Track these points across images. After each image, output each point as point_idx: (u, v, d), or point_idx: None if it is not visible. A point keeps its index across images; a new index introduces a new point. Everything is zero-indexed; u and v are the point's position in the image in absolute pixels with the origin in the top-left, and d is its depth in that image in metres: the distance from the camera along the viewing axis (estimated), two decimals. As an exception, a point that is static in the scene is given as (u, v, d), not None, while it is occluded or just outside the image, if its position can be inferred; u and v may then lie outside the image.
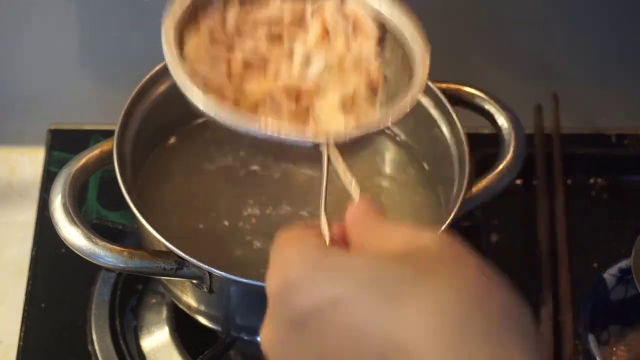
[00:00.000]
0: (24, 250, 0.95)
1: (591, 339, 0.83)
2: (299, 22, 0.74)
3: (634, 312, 0.87)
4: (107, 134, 0.78)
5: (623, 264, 0.87)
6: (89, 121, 1.03)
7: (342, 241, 0.53)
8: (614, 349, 0.87)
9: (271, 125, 0.62)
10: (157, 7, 0.96)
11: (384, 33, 0.73)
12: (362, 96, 0.71)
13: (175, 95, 0.83)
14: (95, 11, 0.97)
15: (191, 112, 0.85)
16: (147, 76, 0.81)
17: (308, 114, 0.70)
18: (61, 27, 0.98)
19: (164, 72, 0.81)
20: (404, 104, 0.66)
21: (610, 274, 0.87)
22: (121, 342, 0.87)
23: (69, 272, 0.92)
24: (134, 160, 0.78)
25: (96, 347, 0.87)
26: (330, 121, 0.69)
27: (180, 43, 0.69)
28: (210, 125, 0.85)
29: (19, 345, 0.88)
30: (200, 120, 0.86)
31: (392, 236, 0.49)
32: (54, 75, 1.03)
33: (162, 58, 0.81)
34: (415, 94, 0.66)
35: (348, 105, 0.70)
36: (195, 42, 0.70)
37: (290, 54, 0.72)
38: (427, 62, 0.68)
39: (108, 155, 0.76)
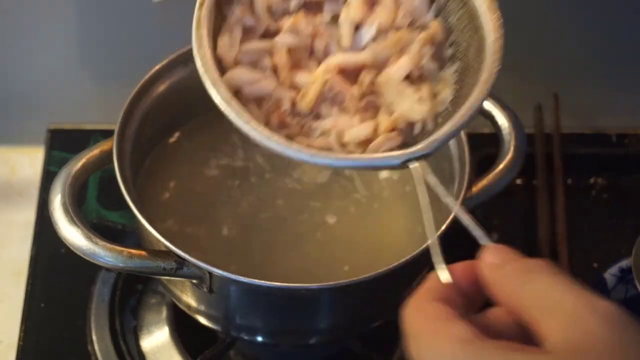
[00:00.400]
0: (23, 250, 0.95)
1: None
2: None
3: (635, 312, 0.87)
4: (107, 134, 0.77)
5: (623, 263, 0.87)
6: (88, 121, 1.03)
7: (471, 286, 0.49)
8: (614, 348, 0.87)
9: (358, 157, 0.58)
10: (157, 7, 0.97)
11: None
12: (426, 58, 0.62)
13: (175, 94, 0.83)
14: (95, 11, 0.97)
15: (191, 111, 0.86)
16: (147, 76, 0.81)
17: (375, 102, 0.62)
18: (61, 27, 0.98)
19: (164, 71, 0.81)
20: (483, 81, 0.59)
21: (610, 274, 0.87)
22: (121, 342, 0.87)
23: (68, 272, 0.92)
24: (134, 160, 0.78)
25: (96, 347, 0.87)
26: (401, 102, 0.61)
27: (215, 51, 0.62)
28: (211, 124, 0.85)
29: (18, 345, 0.88)
30: (199, 120, 0.86)
31: (545, 309, 0.45)
32: (54, 75, 1.03)
33: (160, 58, 0.82)
34: (492, 64, 0.60)
35: (414, 74, 0.62)
36: (227, 41, 0.63)
37: (335, 21, 0.65)
38: (496, 14, 0.61)
39: (108, 155, 0.76)
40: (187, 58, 0.82)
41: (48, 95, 1.04)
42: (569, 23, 1.00)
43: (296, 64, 0.64)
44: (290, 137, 0.61)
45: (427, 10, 0.65)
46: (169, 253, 0.71)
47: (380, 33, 0.64)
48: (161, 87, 0.82)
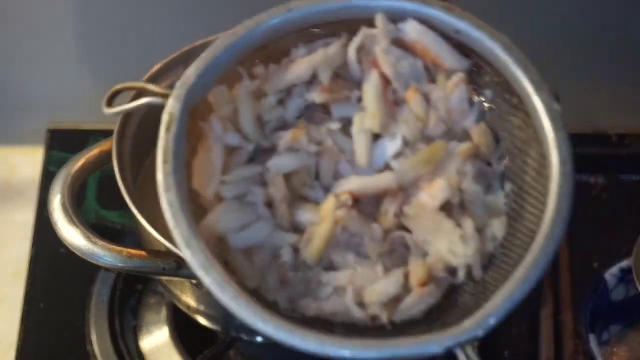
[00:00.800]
0: (22, 250, 0.94)
1: (592, 339, 0.83)
2: (343, 79, 0.50)
3: (635, 313, 0.87)
4: (107, 134, 0.77)
5: (624, 264, 0.86)
6: (88, 121, 1.03)
7: None
8: (615, 349, 0.87)
9: (379, 345, 0.42)
10: (157, 6, 0.96)
11: (477, 65, 0.50)
12: (469, 179, 0.47)
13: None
14: (94, 11, 0.97)
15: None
16: (147, 76, 0.80)
17: (403, 241, 0.47)
18: (60, 27, 0.98)
19: (164, 71, 0.81)
20: (553, 214, 0.44)
21: (611, 274, 0.87)
22: (120, 342, 0.87)
23: (68, 272, 0.91)
24: (134, 159, 0.78)
25: (95, 347, 0.87)
26: (438, 240, 0.46)
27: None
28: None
29: (18, 345, 0.87)
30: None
31: None
32: (54, 75, 1.02)
33: (160, 58, 0.81)
34: (561, 196, 0.44)
35: (454, 201, 0.48)
36: (204, 169, 0.48)
37: (346, 130, 0.49)
38: (558, 119, 0.47)
39: (107, 155, 0.76)
40: (187, 58, 0.81)
41: (47, 95, 1.04)
42: (570, 22, 1.00)
43: (297, 194, 0.49)
44: (293, 301, 0.48)
45: (468, 111, 0.50)
46: (168, 253, 0.71)
47: (407, 145, 0.49)
48: (161, 87, 0.81)
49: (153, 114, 0.81)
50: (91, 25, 0.98)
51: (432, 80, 0.49)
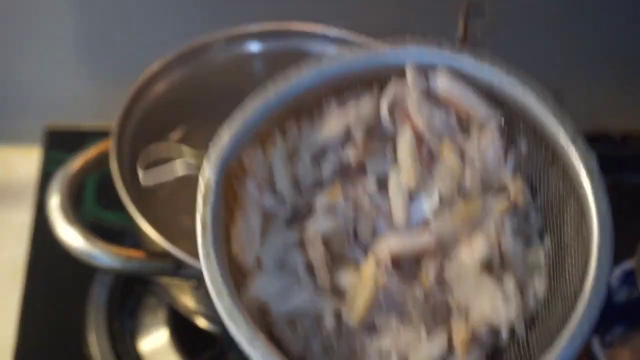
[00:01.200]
0: (20, 251, 0.94)
1: (595, 340, 0.82)
2: (376, 134, 0.49)
3: (638, 314, 0.87)
4: (105, 134, 0.77)
5: (626, 265, 0.86)
6: (86, 121, 1.03)
7: None
8: (618, 351, 0.86)
9: None
10: (156, 6, 0.96)
11: (510, 116, 0.49)
12: (508, 235, 0.46)
13: (174, 94, 0.82)
14: (92, 10, 0.97)
15: (190, 110, 0.85)
16: (146, 75, 0.80)
17: (444, 300, 0.47)
18: (58, 26, 0.98)
19: (162, 71, 0.81)
20: (595, 277, 0.42)
21: (613, 276, 0.86)
22: (119, 344, 0.87)
23: (66, 273, 0.91)
24: (133, 160, 0.78)
25: (94, 349, 0.87)
26: (479, 298, 0.46)
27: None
28: (210, 122, 0.84)
29: (14, 347, 0.87)
30: (198, 119, 0.85)
31: None
32: (51, 74, 1.02)
33: (160, 57, 0.81)
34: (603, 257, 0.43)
35: (494, 257, 0.47)
36: (243, 235, 0.47)
37: (381, 186, 0.49)
38: (598, 180, 0.47)
39: (106, 155, 0.75)
40: (186, 58, 0.81)
41: (45, 95, 1.03)
42: (572, 21, 1.00)
43: (335, 256, 0.49)
44: None
45: (503, 163, 0.49)
46: (167, 254, 0.70)
47: (444, 201, 0.48)
48: (160, 87, 0.81)
49: (151, 114, 0.81)
50: (90, 25, 0.98)
51: (465, 130, 0.49)
